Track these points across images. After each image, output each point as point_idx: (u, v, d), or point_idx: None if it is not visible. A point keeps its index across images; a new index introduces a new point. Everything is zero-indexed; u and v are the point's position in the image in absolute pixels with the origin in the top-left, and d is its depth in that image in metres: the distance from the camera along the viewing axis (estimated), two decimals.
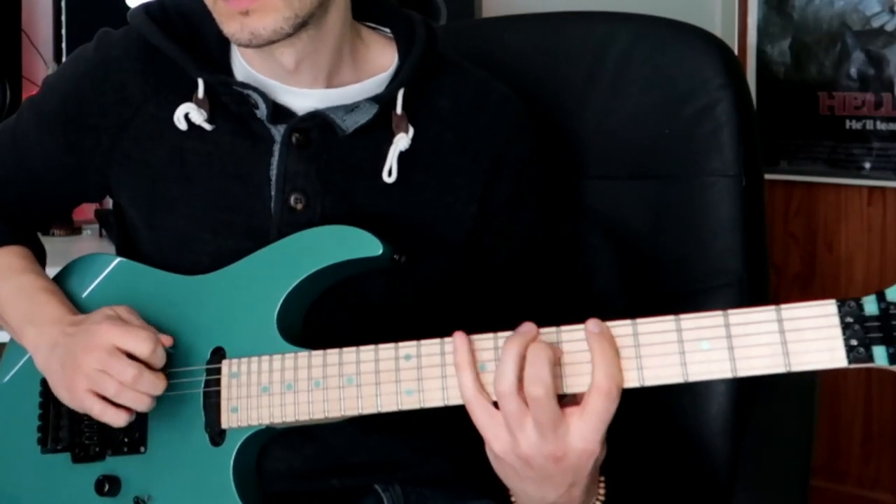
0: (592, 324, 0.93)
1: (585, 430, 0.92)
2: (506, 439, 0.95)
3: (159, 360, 1.10)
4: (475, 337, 0.98)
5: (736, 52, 2.05)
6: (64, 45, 2.27)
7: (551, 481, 0.96)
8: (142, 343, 1.08)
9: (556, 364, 0.94)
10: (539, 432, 0.93)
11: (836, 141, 2.70)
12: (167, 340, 1.11)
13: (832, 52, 2.69)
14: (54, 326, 1.16)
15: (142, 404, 1.09)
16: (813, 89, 2.72)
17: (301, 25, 1.11)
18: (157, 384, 1.09)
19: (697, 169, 1.42)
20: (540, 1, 1.90)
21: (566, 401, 0.95)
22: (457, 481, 1.26)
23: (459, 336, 0.97)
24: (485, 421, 0.96)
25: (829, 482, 2.77)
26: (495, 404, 0.95)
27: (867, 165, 2.67)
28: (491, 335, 0.98)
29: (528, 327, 0.95)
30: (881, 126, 2.63)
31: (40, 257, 1.32)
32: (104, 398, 1.09)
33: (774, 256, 2.80)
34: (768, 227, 1.50)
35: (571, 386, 0.94)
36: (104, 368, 1.08)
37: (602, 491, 1.03)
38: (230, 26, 1.10)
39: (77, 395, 1.11)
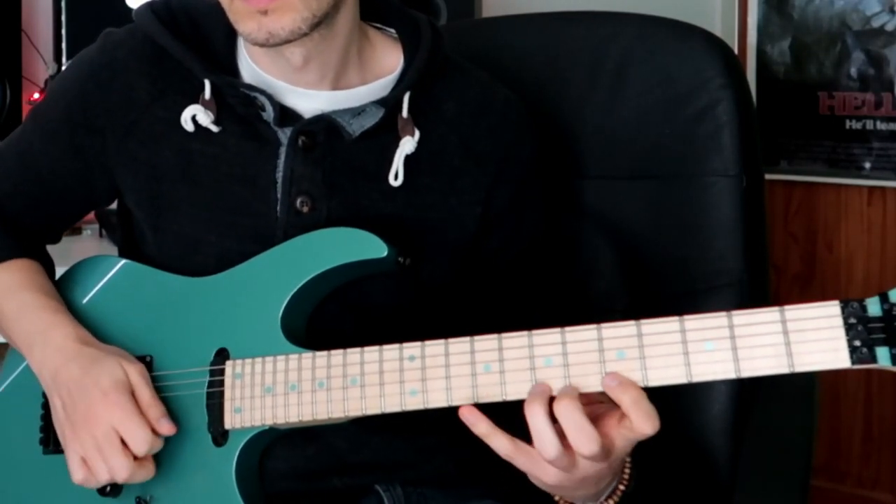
0: (609, 379, 0.93)
1: (628, 443, 0.95)
2: (557, 474, 0.96)
3: (155, 451, 1.09)
4: (477, 338, 0.99)
5: (736, 52, 2.05)
6: (64, 45, 2.27)
7: (605, 479, 1.00)
8: (139, 445, 1.07)
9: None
10: (594, 462, 0.95)
11: (836, 141, 2.70)
12: (168, 429, 1.09)
13: (832, 52, 2.69)
14: (58, 355, 1.14)
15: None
16: (813, 89, 2.72)
17: (316, 25, 1.10)
18: (148, 474, 1.09)
19: (698, 169, 1.43)
20: (540, 1, 1.90)
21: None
22: (459, 482, 1.26)
23: (467, 410, 0.97)
24: (531, 465, 0.97)
25: (829, 482, 2.77)
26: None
27: (867, 165, 2.67)
28: (494, 336, 0.98)
29: (540, 388, 0.95)
30: (881, 126, 2.63)
31: (48, 271, 1.29)
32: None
33: (774, 256, 2.80)
34: (768, 227, 1.50)
35: (585, 386, 0.95)
36: (100, 448, 1.08)
37: (628, 470, 1.05)
38: (247, 26, 1.09)
39: (69, 453, 1.11)
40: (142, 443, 1.07)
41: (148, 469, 1.09)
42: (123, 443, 1.08)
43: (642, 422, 0.92)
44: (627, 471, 1.05)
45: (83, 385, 1.10)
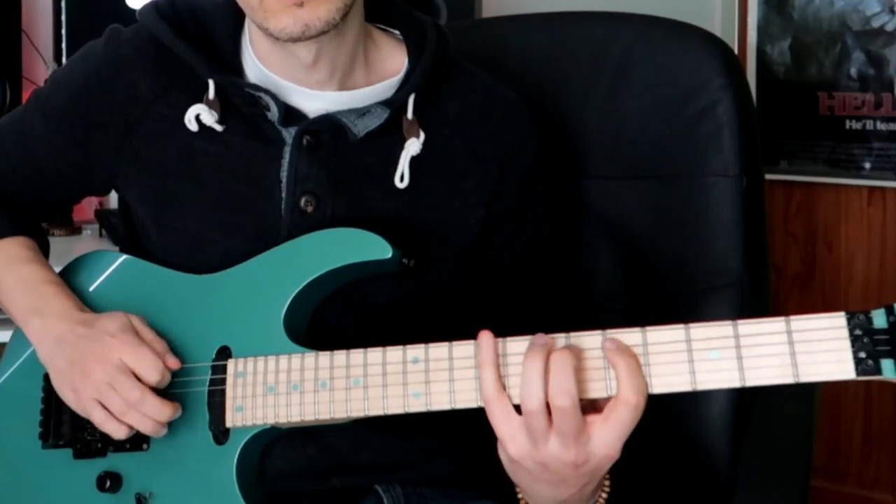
0: (609, 342, 0.93)
1: (609, 439, 0.93)
2: (524, 444, 0.95)
3: (164, 384, 1.10)
4: None
5: (736, 52, 2.05)
6: (64, 45, 2.27)
7: (566, 483, 0.97)
8: (149, 371, 1.09)
9: (579, 370, 0.94)
10: (562, 443, 0.93)
11: (836, 141, 2.70)
12: (174, 363, 1.11)
13: (832, 52, 2.69)
14: (61, 321, 1.16)
15: (145, 427, 1.10)
16: (813, 89, 2.73)
17: (346, 14, 1.11)
18: (161, 410, 1.09)
19: (698, 169, 1.42)
20: (540, 1, 1.90)
21: (583, 404, 0.95)
22: (458, 482, 1.26)
23: (486, 335, 0.97)
24: (502, 422, 0.95)
25: (829, 482, 2.77)
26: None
27: (867, 165, 2.68)
28: (499, 340, 0.97)
29: (544, 339, 0.95)
30: (881, 126, 2.64)
31: (44, 249, 1.32)
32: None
33: (774, 256, 2.80)
34: (768, 227, 1.50)
35: (588, 391, 0.95)
36: (111, 383, 1.09)
37: (607, 483, 1.03)
38: (281, 21, 1.09)
39: (82, 401, 1.11)
40: (152, 369, 1.09)
41: (165, 406, 1.09)
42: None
43: (629, 388, 0.91)
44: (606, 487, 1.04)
45: (91, 336, 1.12)
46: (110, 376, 1.09)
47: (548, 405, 0.93)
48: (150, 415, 1.09)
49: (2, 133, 1.31)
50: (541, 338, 0.95)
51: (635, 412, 0.92)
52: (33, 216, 1.33)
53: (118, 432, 1.10)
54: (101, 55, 1.24)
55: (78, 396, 1.12)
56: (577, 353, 0.94)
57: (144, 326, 1.14)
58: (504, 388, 0.96)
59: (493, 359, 0.96)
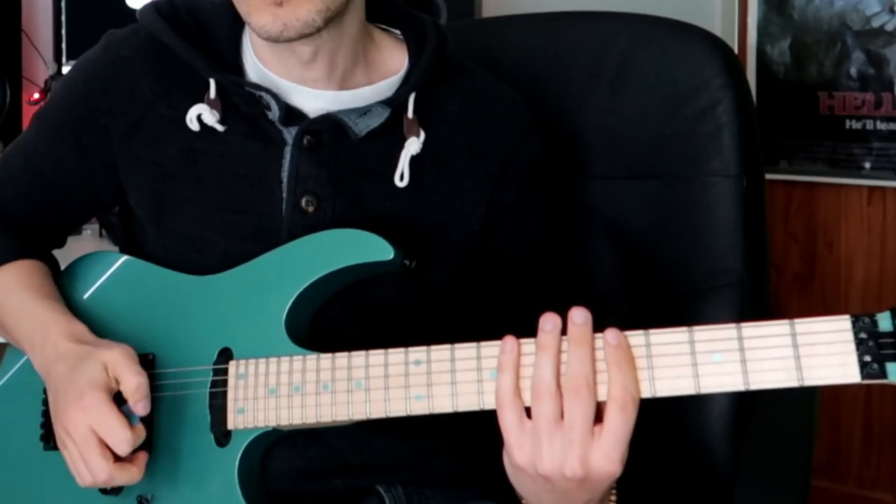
0: (611, 335, 0.93)
1: (606, 448, 0.92)
2: (529, 451, 0.94)
3: (136, 444, 1.08)
4: (484, 344, 0.99)
5: (736, 52, 2.05)
6: (64, 45, 2.27)
7: (569, 497, 0.96)
8: (119, 443, 1.06)
9: (594, 360, 0.93)
10: (566, 445, 0.92)
11: (836, 141, 2.70)
12: (143, 409, 1.08)
13: (832, 52, 2.69)
14: (49, 353, 1.13)
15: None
16: (813, 89, 2.73)
17: (330, 19, 1.10)
18: (131, 478, 1.08)
19: (698, 169, 1.42)
20: (540, 1, 1.90)
21: None
22: (459, 483, 1.26)
23: (512, 339, 0.96)
24: (513, 427, 0.95)
25: (829, 482, 2.77)
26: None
27: (867, 165, 2.68)
28: (501, 342, 0.97)
29: (552, 324, 0.94)
30: (881, 126, 2.64)
31: (54, 273, 1.28)
32: None
33: (774, 256, 2.80)
34: (768, 227, 1.50)
35: None
36: (81, 452, 1.07)
37: (614, 498, 1.03)
38: (261, 18, 1.08)
39: (60, 442, 1.10)
40: (121, 441, 1.06)
41: (131, 472, 1.07)
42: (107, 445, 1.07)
43: (618, 387, 0.91)
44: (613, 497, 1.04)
45: (66, 386, 1.09)
46: (77, 443, 1.07)
47: (559, 395, 0.92)
48: (120, 484, 1.08)
49: (8, 159, 1.30)
50: (549, 323, 0.94)
51: (624, 412, 0.91)
52: (44, 240, 1.31)
53: (84, 481, 1.08)
54: (99, 60, 1.23)
55: (61, 449, 1.10)
56: (593, 341, 0.93)
57: (127, 367, 1.08)
58: (520, 392, 0.95)
59: (515, 362, 0.95)
